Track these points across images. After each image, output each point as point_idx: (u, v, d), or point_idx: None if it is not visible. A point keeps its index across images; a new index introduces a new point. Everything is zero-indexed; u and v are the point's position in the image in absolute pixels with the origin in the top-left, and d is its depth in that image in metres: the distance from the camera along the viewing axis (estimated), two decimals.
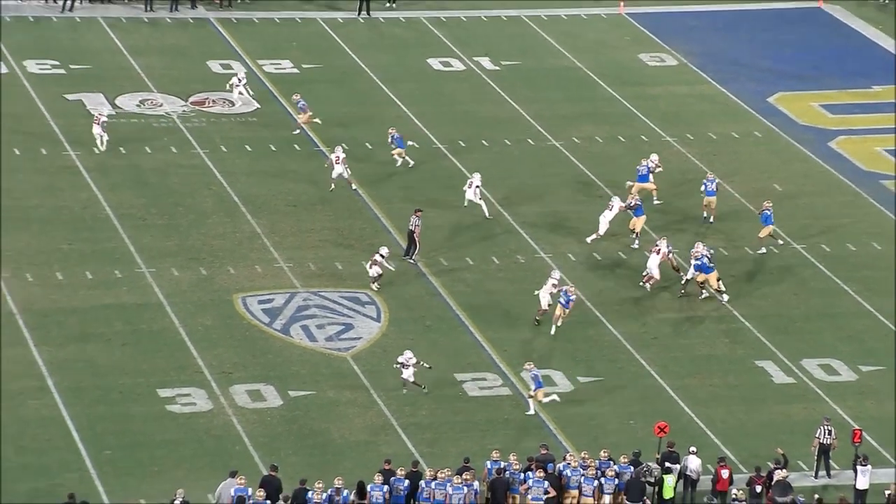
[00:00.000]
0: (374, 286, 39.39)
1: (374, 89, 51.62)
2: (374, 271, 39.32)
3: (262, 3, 57.80)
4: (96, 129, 45.47)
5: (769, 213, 42.44)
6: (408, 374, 35.57)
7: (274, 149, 46.87)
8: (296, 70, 52.58)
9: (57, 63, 51.25)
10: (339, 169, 43.96)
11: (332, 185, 44.13)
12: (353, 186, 44.25)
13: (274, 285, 39.55)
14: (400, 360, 35.55)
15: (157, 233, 41.52)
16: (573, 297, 38.09)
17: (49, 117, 47.37)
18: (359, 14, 57.12)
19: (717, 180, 44.44)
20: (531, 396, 35.22)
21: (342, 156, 44.11)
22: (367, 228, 42.79)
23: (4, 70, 50.41)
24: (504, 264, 41.54)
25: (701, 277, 40.00)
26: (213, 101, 49.64)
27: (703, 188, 44.16)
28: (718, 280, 40.10)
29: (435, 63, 54.28)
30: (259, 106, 49.63)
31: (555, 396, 35.58)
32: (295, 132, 47.72)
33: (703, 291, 40.14)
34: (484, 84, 52.80)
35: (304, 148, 47.05)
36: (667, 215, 44.35)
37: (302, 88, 50.35)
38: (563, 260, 41.63)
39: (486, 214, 43.25)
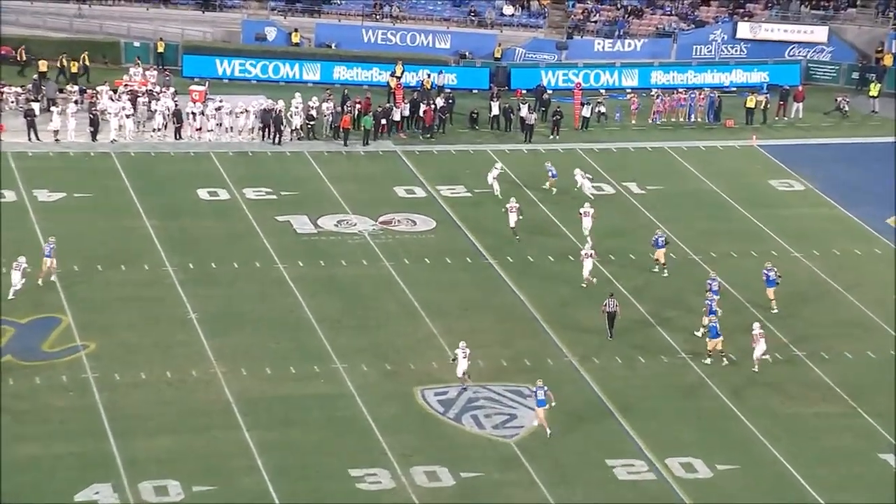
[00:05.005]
0: None
1: (535, 211, 51.40)
2: None
3: (442, 137, 58.45)
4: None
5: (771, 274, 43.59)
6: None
7: (449, 261, 46.95)
8: (468, 194, 52.78)
9: (269, 190, 52.17)
10: (512, 218, 47.53)
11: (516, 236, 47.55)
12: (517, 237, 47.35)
13: (448, 379, 39.34)
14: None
15: (349, 333, 41.65)
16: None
17: (262, 235, 48.14)
18: (526, 140, 57.83)
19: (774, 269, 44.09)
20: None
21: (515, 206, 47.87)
22: (527, 329, 42.50)
23: (226, 196, 51.52)
24: (648, 361, 40.88)
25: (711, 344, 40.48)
26: (399, 220, 50.00)
27: (764, 276, 43.87)
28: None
29: (586, 183, 53.64)
30: (436, 224, 49.90)
31: None
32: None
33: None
34: (631, 205, 52.59)
35: (476, 260, 47.09)
36: (789, 321, 43.49)
37: (475, 209, 50.74)
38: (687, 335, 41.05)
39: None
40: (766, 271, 44.14)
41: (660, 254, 45.97)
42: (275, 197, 51.71)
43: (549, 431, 36.63)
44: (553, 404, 36.76)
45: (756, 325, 40.82)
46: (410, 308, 43.37)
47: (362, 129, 57.34)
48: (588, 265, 44.96)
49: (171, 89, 58.94)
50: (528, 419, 37.48)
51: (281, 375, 39.27)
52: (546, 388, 36.99)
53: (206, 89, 59.68)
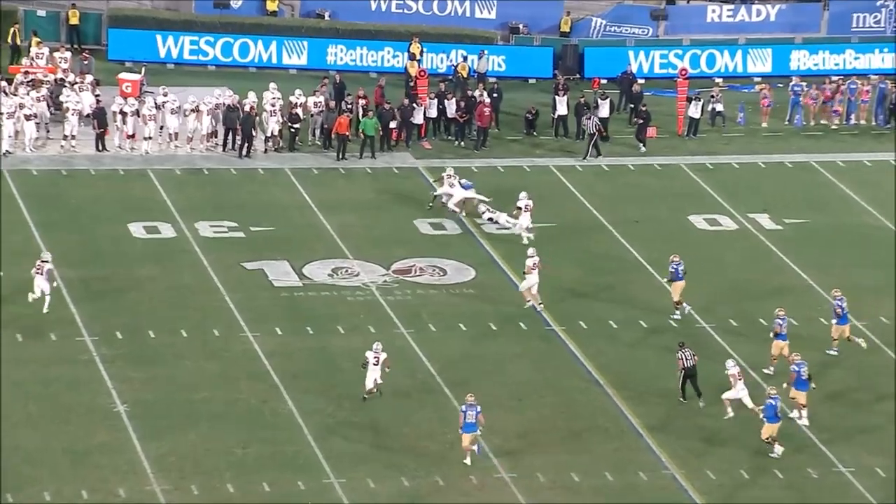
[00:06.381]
0: None
1: (617, 251, 51.63)
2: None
3: (484, 150, 59.16)
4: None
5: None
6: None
7: (494, 328, 47.03)
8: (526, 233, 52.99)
9: (234, 225, 52.51)
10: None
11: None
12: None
13: (493, 502, 39.30)
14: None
15: (349, 433, 41.51)
16: None
17: (224, 291, 48.31)
18: (584, 156, 58.33)
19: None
20: None
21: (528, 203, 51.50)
22: (610, 428, 42.36)
23: (171, 234, 51.71)
24: (788, 476, 40.75)
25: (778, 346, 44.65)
26: (422, 268, 50.23)
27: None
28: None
29: (698, 220, 54.45)
30: (475, 274, 50.11)
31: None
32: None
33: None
34: (761, 247, 52.70)
35: (533, 327, 47.12)
36: None
37: (523, 248, 50.39)
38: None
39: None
40: (837, 302, 45.32)
41: (678, 288, 47.19)
42: (241, 234, 51.97)
43: (469, 461, 39.62)
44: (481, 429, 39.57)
45: (730, 363, 42.26)
46: (438, 395, 43.25)
47: (362, 135, 57.59)
48: (532, 281, 47.19)
49: (91, 78, 59.23)
50: None
51: (250, 493, 39.08)
52: (479, 408, 39.21)
53: (141, 79, 59.99)
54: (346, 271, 49.89)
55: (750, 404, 41.76)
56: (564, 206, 55.08)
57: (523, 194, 52.03)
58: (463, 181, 53.89)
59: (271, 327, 46.36)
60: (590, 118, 58.52)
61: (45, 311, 45.61)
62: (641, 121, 59.49)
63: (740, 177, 57.94)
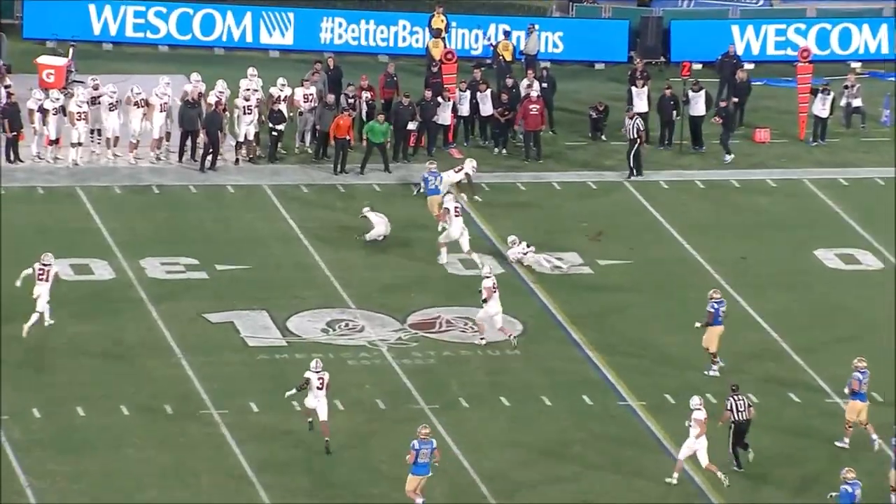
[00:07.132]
0: None
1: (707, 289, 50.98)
2: None
3: (534, 160, 59.71)
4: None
5: None
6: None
7: (549, 402, 46.65)
8: (588, 269, 53.34)
9: (194, 262, 52.59)
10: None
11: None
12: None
13: None
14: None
15: None
16: None
17: (179, 352, 48.24)
18: (630, 174, 59.09)
19: None
20: None
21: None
22: None
23: (108, 275, 51.74)
24: None
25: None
26: (448, 321, 50.17)
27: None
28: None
29: (828, 256, 54.26)
30: (521, 328, 49.97)
31: None
32: None
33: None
34: None
35: (601, 399, 46.83)
36: None
37: (597, 297, 51.64)
38: None
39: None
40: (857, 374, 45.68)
41: (714, 335, 48.03)
42: (204, 275, 52.30)
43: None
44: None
45: (695, 401, 42.86)
46: (471, 494, 43.03)
47: (366, 140, 57.82)
48: (492, 309, 48.70)
49: (1, 63, 59.69)
50: None
51: None
52: (434, 443, 40.91)
53: (68, 63, 60.36)
54: (347, 325, 50.05)
55: (705, 461, 42.60)
56: (644, 236, 55.49)
57: (449, 196, 54.01)
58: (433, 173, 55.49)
59: (244, 402, 46.27)
60: (633, 117, 58.82)
61: (47, 323, 47.91)
62: (721, 121, 59.85)
63: (886, 197, 57.98)
